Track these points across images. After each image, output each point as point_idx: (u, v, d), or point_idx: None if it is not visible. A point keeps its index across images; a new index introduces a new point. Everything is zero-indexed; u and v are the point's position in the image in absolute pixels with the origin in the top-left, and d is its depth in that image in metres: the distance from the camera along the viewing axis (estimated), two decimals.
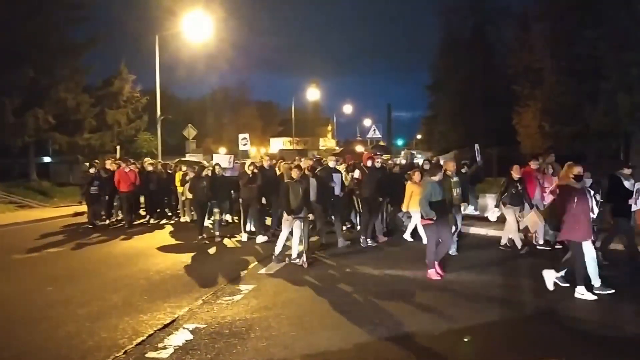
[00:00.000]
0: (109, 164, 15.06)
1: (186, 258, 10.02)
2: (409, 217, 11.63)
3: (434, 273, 8.02)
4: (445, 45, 42.18)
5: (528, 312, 6.48)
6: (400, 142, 68.37)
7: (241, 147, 16.54)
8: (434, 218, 7.91)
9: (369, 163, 11.27)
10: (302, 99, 64.29)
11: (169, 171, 16.11)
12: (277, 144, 61.15)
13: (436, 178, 8.27)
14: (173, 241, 12.06)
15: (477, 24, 40.32)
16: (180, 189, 14.90)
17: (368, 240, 10.96)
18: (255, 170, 11.69)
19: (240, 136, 17.22)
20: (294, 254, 9.30)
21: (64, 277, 8.48)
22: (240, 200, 12.07)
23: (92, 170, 14.43)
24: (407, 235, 11.47)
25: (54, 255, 10.59)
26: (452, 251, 9.57)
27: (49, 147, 30.10)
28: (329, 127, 72.27)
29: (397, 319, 6.13)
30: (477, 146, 13.97)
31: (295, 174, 9.31)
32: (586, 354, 5.19)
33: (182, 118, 35.27)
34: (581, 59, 23.54)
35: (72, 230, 14.06)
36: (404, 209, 11.25)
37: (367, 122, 57.69)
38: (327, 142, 61.68)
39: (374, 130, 25.76)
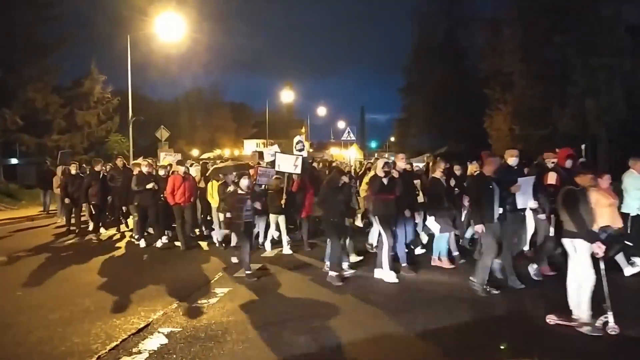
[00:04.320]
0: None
1: (160, 262, 9.87)
2: None
3: None
4: (418, 49, 42.82)
5: (499, 313, 6.60)
6: (373, 144, 68.81)
7: (296, 154, 11.76)
8: None
9: (568, 164, 8.06)
10: (276, 101, 64.37)
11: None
12: (251, 146, 60.96)
13: None
14: (147, 245, 11.82)
15: (449, 28, 41.05)
16: (214, 202, 11.46)
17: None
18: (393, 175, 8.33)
19: (295, 139, 12.78)
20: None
21: (34, 282, 8.28)
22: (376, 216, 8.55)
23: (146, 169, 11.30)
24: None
25: (24, 259, 10.32)
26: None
27: (16, 148, 29.44)
28: (303, 129, 72.28)
29: (374, 321, 6.18)
30: None
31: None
32: (557, 352, 5.32)
33: (154, 119, 34.81)
34: (550, 64, 24.20)
35: (43, 233, 13.74)
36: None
37: (341, 124, 58.03)
38: None
39: (348, 132, 25.91)
